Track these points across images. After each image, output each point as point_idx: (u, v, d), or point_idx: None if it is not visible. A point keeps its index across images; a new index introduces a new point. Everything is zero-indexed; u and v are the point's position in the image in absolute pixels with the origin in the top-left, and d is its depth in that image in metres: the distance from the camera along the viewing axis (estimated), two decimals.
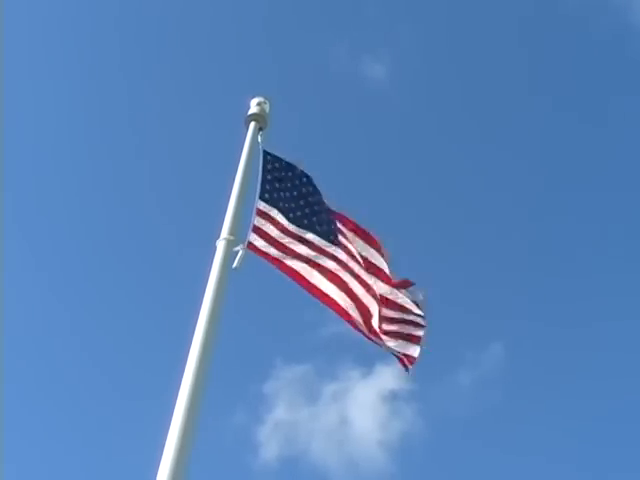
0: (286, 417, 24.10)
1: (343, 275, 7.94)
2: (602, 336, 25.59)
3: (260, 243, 7.67)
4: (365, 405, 24.45)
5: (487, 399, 24.46)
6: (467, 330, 25.52)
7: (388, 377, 23.54)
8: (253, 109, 8.52)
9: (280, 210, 7.94)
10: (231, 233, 7.39)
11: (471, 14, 27.76)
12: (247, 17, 27.17)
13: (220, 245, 7.26)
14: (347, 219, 8.30)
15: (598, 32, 27.93)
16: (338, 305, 7.83)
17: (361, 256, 8.09)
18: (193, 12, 27.03)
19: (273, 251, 7.72)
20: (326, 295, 7.83)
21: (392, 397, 24.26)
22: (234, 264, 7.24)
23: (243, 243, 7.47)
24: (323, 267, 7.90)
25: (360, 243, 8.17)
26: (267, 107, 8.56)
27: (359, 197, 24.15)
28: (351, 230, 8.22)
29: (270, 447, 23.12)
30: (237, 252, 7.31)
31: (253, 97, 8.62)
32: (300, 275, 7.79)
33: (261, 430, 23.60)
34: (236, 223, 7.50)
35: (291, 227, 7.91)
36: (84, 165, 26.34)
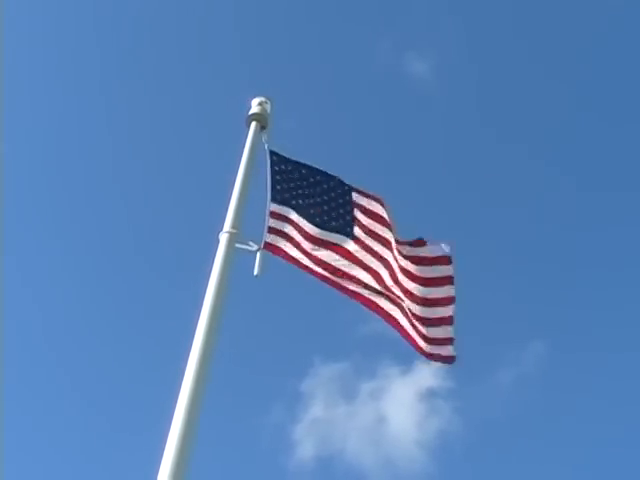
0: (323, 415, 23.96)
1: (365, 276, 7.90)
2: None
3: (278, 242, 7.72)
4: (403, 403, 24.15)
5: (527, 399, 24.14)
6: (507, 327, 25.19)
7: (427, 375, 23.45)
8: (254, 109, 8.44)
9: (293, 208, 7.94)
10: (234, 226, 7.28)
11: (517, 11, 27.79)
12: (292, 12, 27.58)
13: (223, 238, 7.15)
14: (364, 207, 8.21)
15: None
16: (369, 300, 7.83)
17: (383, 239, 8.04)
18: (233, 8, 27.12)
19: (294, 253, 7.78)
20: (355, 292, 7.84)
21: (430, 395, 23.99)
22: (255, 271, 7.30)
23: (258, 245, 7.51)
24: (346, 273, 7.87)
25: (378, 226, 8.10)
26: (268, 107, 8.48)
27: (399, 192, 23.94)
28: (367, 215, 8.15)
29: (306, 446, 22.87)
30: (239, 247, 7.21)
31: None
32: (323, 275, 7.80)
33: (297, 429, 23.40)
34: (239, 216, 7.40)
35: (307, 227, 7.89)
36: (89, 163, 26.42)
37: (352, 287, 7.83)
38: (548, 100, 28.28)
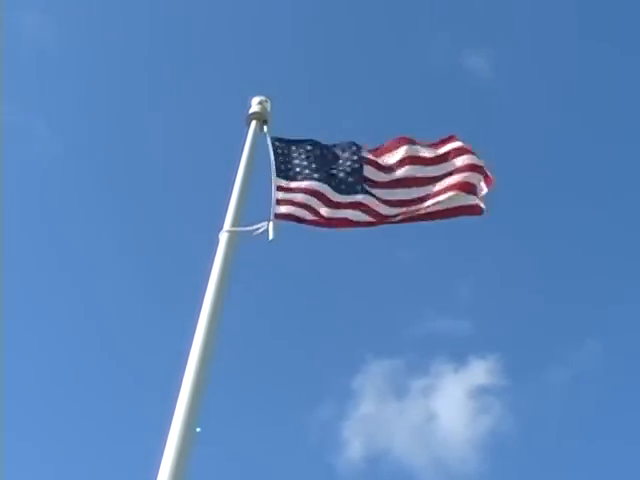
0: (372, 413, 23.76)
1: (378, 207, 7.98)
2: None
3: (286, 209, 7.59)
4: (455, 401, 23.95)
5: (582, 398, 23.76)
6: (563, 325, 24.83)
7: (479, 372, 23.36)
8: (254, 108, 8.42)
9: (297, 180, 7.87)
10: (234, 225, 7.27)
11: (577, 11, 27.52)
12: (351, 6, 27.29)
13: (223, 237, 7.13)
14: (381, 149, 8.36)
15: None
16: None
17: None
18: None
19: (300, 212, 7.65)
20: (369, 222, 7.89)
21: (482, 393, 23.82)
22: (270, 236, 7.17)
23: (267, 220, 7.36)
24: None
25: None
26: (268, 106, 8.48)
27: None
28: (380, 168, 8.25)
29: (355, 444, 22.66)
30: (240, 245, 7.16)
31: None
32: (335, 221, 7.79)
33: (346, 426, 23.15)
34: (239, 215, 7.39)
35: (323, 189, 7.84)
36: (88, 163, 26.43)
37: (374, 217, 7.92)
38: (612, 101, 27.83)
